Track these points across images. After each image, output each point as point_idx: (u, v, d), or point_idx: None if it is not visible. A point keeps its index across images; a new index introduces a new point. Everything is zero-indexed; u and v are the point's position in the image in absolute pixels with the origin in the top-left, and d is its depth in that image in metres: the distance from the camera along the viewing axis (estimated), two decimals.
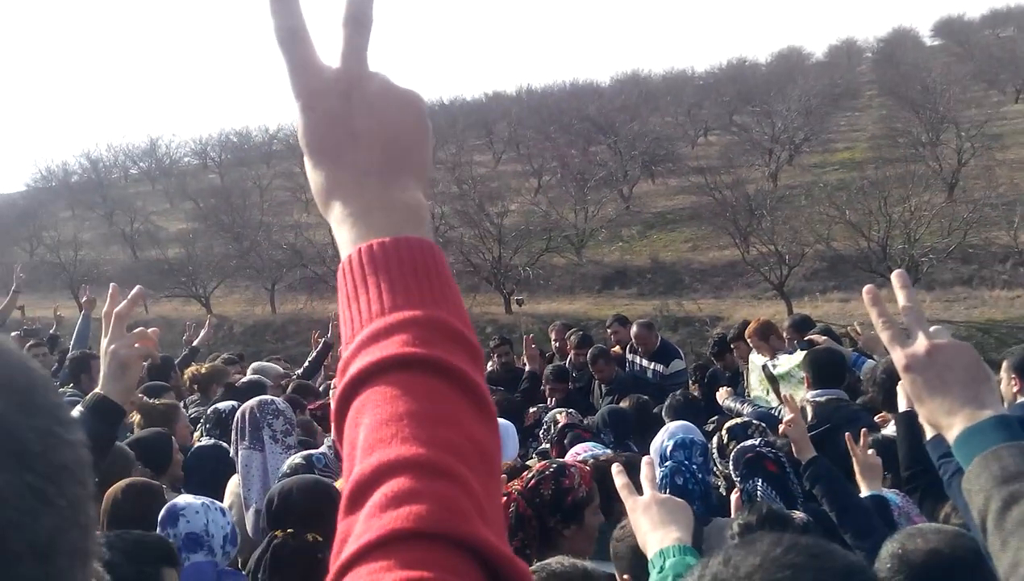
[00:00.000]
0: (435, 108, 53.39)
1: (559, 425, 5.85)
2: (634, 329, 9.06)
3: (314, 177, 0.93)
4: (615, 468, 2.28)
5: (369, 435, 0.74)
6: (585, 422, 6.11)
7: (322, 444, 5.01)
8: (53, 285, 35.02)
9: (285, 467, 4.24)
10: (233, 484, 4.79)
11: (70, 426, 0.58)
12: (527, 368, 8.59)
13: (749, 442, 4.44)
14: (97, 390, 2.51)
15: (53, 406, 0.58)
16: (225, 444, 5.27)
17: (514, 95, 58.85)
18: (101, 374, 2.53)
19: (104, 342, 2.52)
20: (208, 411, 5.95)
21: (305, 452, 4.46)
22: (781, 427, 4.46)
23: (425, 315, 0.80)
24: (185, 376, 7.91)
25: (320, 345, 9.32)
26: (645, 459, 2.34)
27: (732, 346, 8.49)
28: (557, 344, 9.86)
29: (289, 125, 56.27)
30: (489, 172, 42.99)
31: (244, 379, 7.87)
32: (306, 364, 9.41)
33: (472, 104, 58.41)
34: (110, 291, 2.61)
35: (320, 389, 8.31)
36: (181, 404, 6.62)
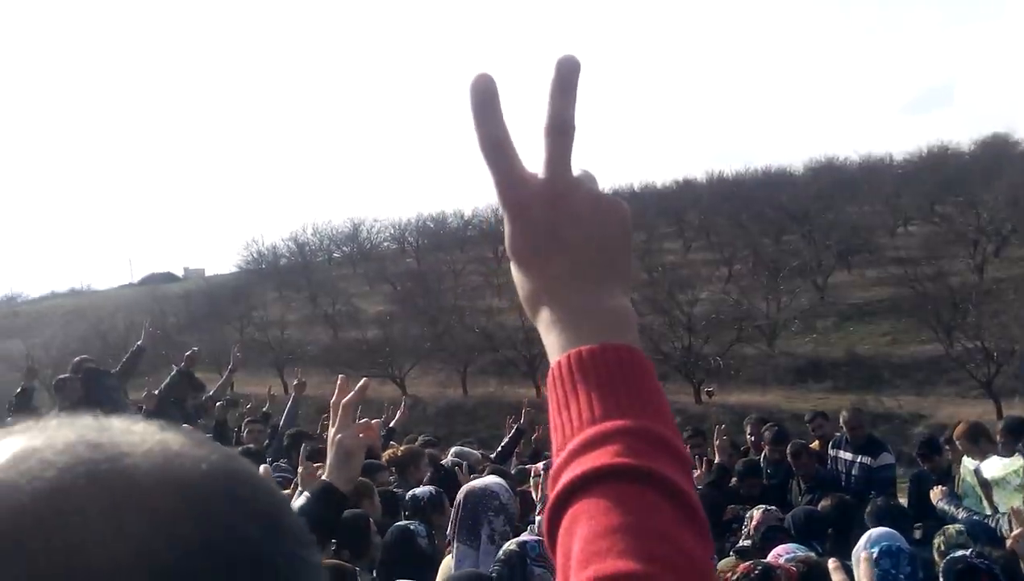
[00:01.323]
0: (625, 195, 53.63)
1: (756, 522, 5.72)
2: (845, 414, 8.70)
3: (522, 283, 0.94)
4: (831, 563, 2.25)
5: (584, 547, 0.74)
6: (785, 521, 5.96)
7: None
8: (260, 363, 36.76)
9: (501, 554, 4.27)
10: (445, 569, 4.84)
11: (311, 548, 0.61)
12: (716, 460, 8.45)
13: (960, 552, 4.24)
14: (323, 477, 2.67)
15: (297, 529, 0.60)
16: (416, 527, 5.35)
17: (705, 182, 58.62)
18: (327, 462, 2.69)
19: (331, 431, 2.68)
20: (407, 496, 6.12)
21: (519, 539, 4.45)
22: (1009, 542, 4.23)
23: (635, 424, 0.80)
24: (384, 457, 8.18)
25: (513, 430, 9.46)
26: (862, 555, 2.31)
27: (944, 447, 8.12)
28: (752, 438, 9.65)
29: (483, 210, 57.85)
30: (679, 259, 42.79)
31: (446, 461, 8.11)
32: (499, 449, 9.55)
33: (662, 191, 58.43)
34: (339, 383, 2.78)
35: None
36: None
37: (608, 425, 0.80)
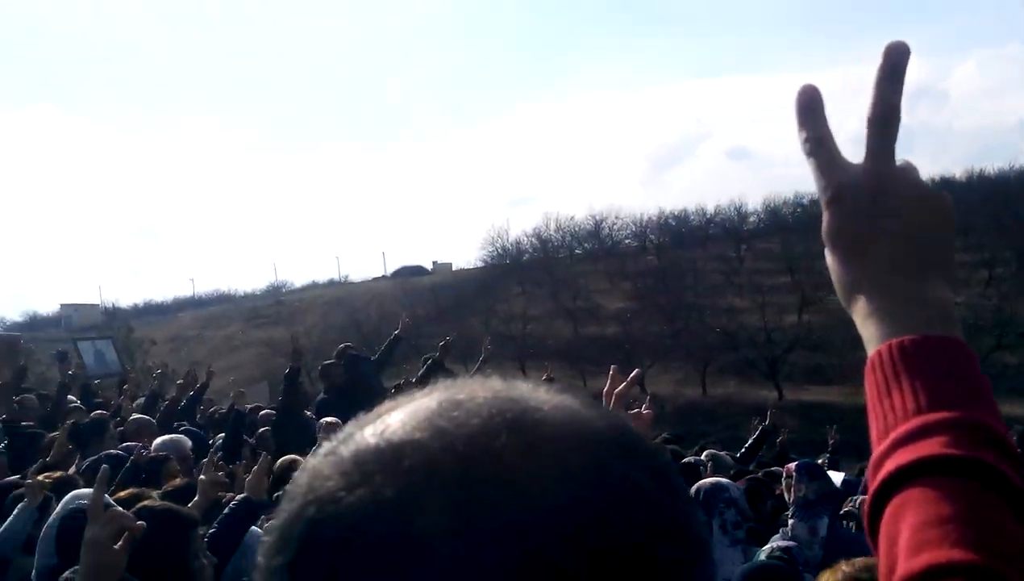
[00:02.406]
0: None
1: None
2: None
3: (837, 271, 0.93)
4: None
5: (913, 535, 0.73)
6: None
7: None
8: (503, 356, 37.78)
9: (763, 556, 4.27)
10: None
11: (695, 505, 0.65)
12: None
13: None
14: None
15: (683, 486, 0.64)
16: None
17: (964, 180, 55.25)
18: None
19: None
20: None
21: (784, 544, 4.42)
22: None
23: (963, 416, 0.79)
24: None
25: (758, 431, 9.41)
26: None
27: None
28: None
29: (725, 208, 56.91)
30: None
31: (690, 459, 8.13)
32: (743, 450, 9.49)
33: None
34: (611, 372, 2.88)
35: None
36: None
37: (935, 416, 0.79)
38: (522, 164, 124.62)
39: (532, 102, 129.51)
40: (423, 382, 9.13)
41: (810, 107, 0.94)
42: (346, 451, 0.58)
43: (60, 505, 4.10)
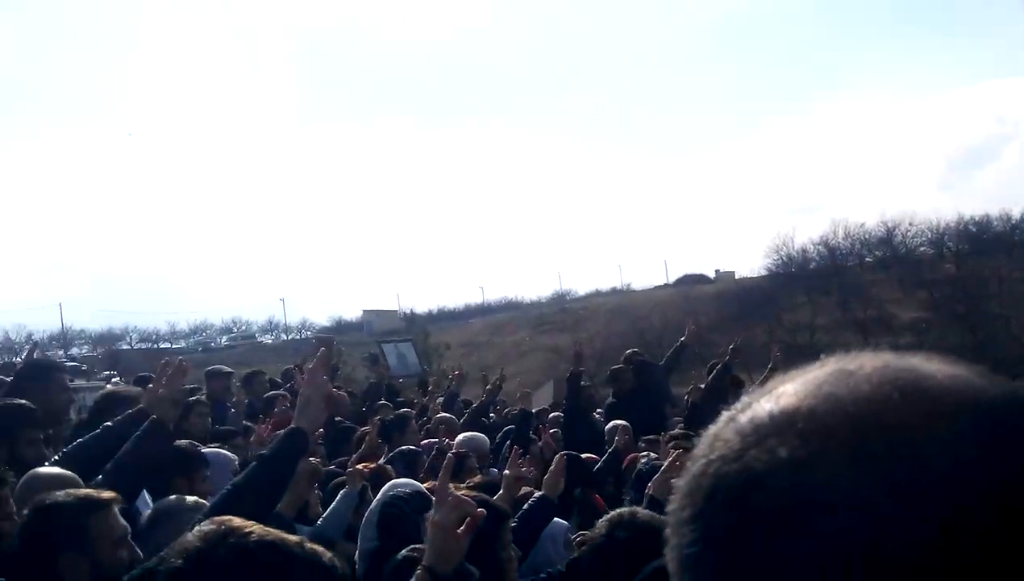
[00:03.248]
0: None
1: None
2: None
3: None
4: None
5: None
6: None
7: None
8: (789, 366, 36.62)
9: None
10: None
11: None
12: None
13: None
14: None
15: None
16: None
17: None
18: None
19: None
20: None
21: None
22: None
23: None
24: None
25: None
26: None
27: None
28: None
29: None
30: None
31: None
32: None
33: None
34: None
35: None
36: None
37: None
38: (808, 170, 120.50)
39: (820, 106, 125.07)
40: (712, 389, 9.15)
41: None
42: (743, 418, 0.64)
43: (380, 493, 4.43)
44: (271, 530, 1.97)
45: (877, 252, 57.91)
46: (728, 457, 0.62)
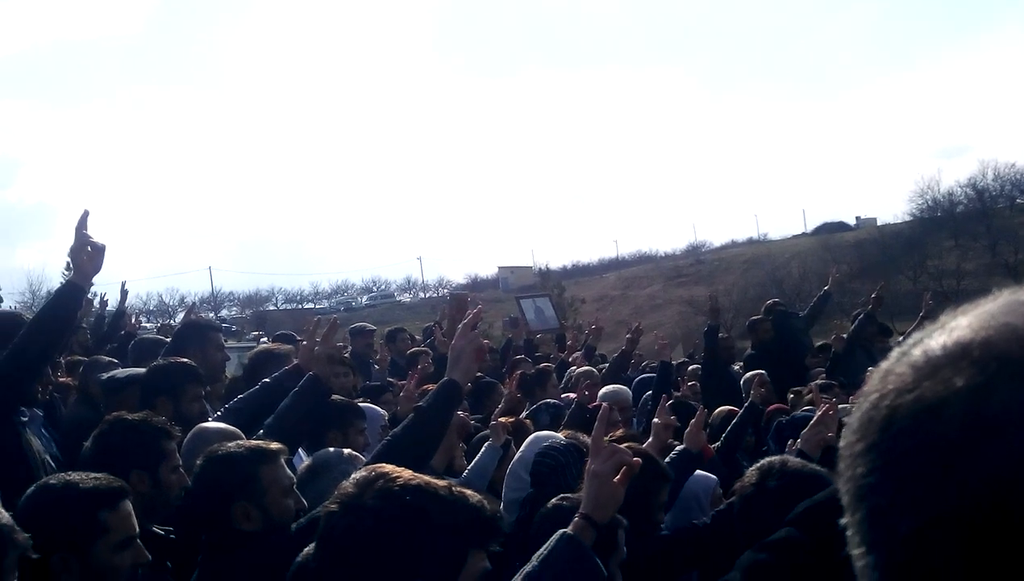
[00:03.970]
0: None
1: None
2: None
3: None
4: None
5: None
6: None
7: None
8: (936, 314, 35.44)
9: None
10: None
11: None
12: None
13: None
14: None
15: None
16: None
17: None
18: None
19: None
20: None
21: None
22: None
23: None
24: None
25: None
26: None
27: None
28: None
29: None
30: None
31: None
32: None
33: None
34: None
35: None
36: None
37: None
38: (954, 111, 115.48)
39: (963, 44, 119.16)
40: (855, 337, 8.94)
41: None
42: (917, 352, 0.66)
43: (524, 445, 4.52)
44: (420, 475, 2.06)
45: None
46: (902, 390, 0.64)
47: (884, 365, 0.68)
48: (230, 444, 3.08)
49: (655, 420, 4.81)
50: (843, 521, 0.68)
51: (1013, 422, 0.58)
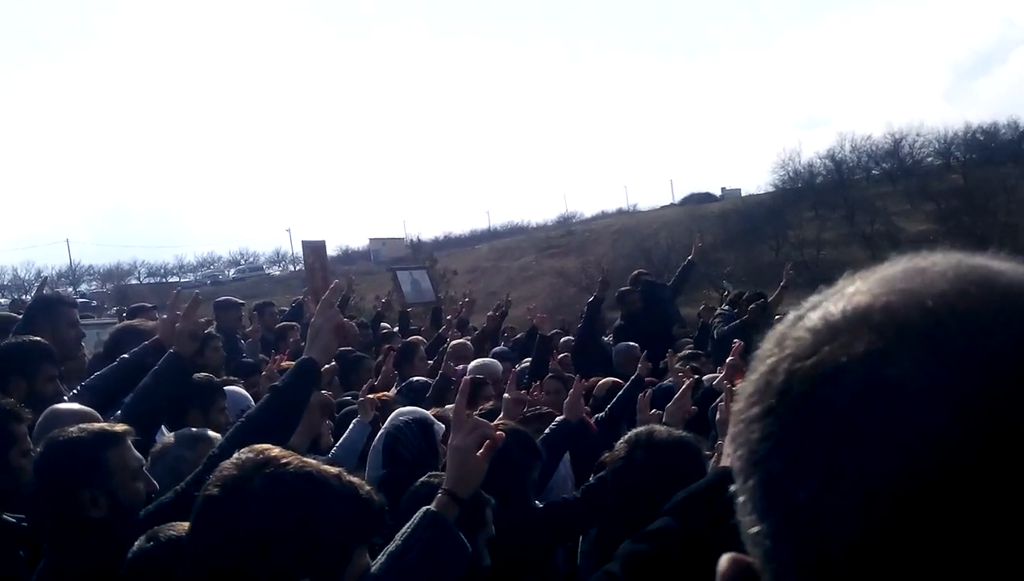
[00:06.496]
0: None
1: None
2: None
3: None
4: None
5: None
6: None
7: None
8: (795, 283, 36.73)
9: None
10: None
11: None
12: None
13: None
14: None
15: None
16: None
17: None
18: None
19: None
20: None
21: None
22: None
23: None
24: None
25: None
26: None
27: None
28: None
29: None
30: None
31: None
32: None
33: None
34: None
35: None
36: None
37: None
38: (814, 84, 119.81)
39: (823, 19, 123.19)
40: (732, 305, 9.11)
41: None
42: (814, 316, 0.65)
43: (387, 422, 4.46)
44: (309, 461, 1.97)
45: (884, 165, 57.55)
46: (800, 355, 0.63)
47: (779, 329, 0.68)
48: (72, 428, 2.92)
49: (505, 395, 4.81)
50: (732, 488, 0.67)
51: (912, 388, 0.58)
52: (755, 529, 0.64)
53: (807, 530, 0.60)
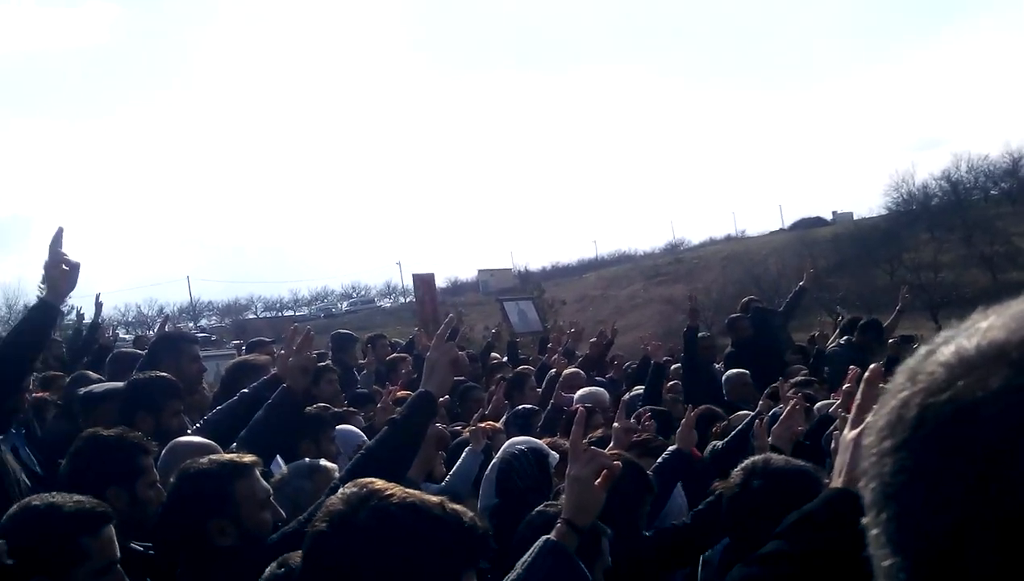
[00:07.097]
0: None
1: None
2: None
3: None
4: None
5: None
6: None
7: None
8: (913, 306, 35.76)
9: None
10: None
11: None
12: None
13: None
14: None
15: None
16: None
17: None
18: None
19: None
20: None
21: None
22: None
23: None
24: None
25: None
26: None
27: None
28: None
29: None
30: None
31: None
32: None
33: None
34: None
35: None
36: None
37: None
38: (927, 104, 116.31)
39: (934, 39, 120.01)
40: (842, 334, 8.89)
41: None
42: (948, 351, 0.65)
43: (500, 451, 4.50)
44: (412, 492, 2.01)
45: (1002, 184, 55.61)
46: (932, 389, 0.63)
47: (910, 363, 0.68)
48: (202, 460, 3.03)
49: (615, 425, 4.80)
50: (864, 521, 0.67)
51: None
52: (888, 562, 0.64)
53: (944, 564, 0.60)
